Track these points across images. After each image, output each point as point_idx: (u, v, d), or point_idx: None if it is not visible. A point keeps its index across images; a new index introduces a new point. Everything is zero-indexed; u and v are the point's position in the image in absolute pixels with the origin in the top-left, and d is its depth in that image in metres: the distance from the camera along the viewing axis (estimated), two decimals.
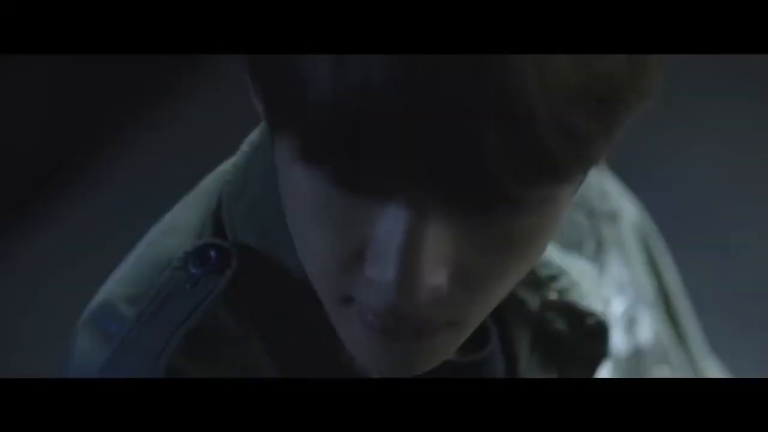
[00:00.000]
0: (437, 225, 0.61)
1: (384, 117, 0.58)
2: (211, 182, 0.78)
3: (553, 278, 0.80)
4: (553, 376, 0.81)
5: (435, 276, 0.62)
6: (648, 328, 0.91)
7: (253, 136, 0.78)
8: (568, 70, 0.58)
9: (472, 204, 0.61)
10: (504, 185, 0.59)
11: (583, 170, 0.62)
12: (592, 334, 0.81)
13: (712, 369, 0.99)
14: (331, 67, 0.58)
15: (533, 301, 0.80)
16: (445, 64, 0.57)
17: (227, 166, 0.78)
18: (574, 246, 0.86)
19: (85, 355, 0.75)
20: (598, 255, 0.88)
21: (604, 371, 0.85)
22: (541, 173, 0.60)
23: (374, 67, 0.57)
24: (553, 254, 0.81)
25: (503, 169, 0.59)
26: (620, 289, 0.90)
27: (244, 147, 0.77)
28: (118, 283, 0.76)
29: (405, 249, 0.61)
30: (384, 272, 0.62)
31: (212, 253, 0.73)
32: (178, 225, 0.77)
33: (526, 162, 0.59)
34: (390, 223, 0.62)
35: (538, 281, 0.80)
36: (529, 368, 0.80)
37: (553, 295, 0.80)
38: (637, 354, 0.90)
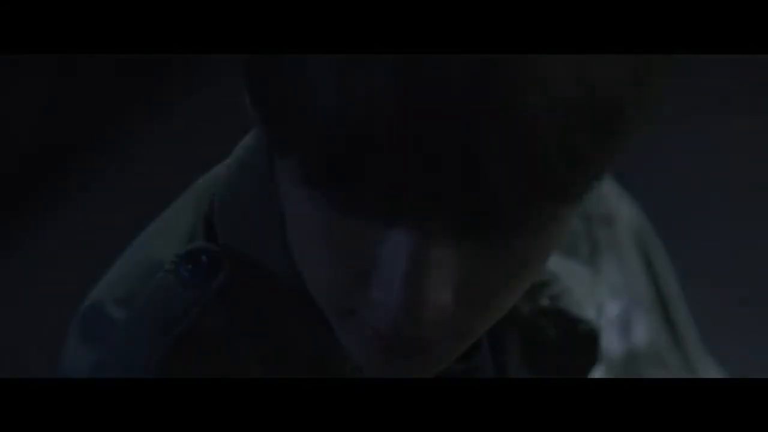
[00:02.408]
0: (441, 247, 0.61)
1: (387, 141, 0.57)
2: (203, 185, 0.78)
3: (545, 285, 0.80)
4: None
5: (440, 297, 0.62)
6: (643, 331, 0.91)
7: (248, 139, 0.77)
8: (570, 91, 0.57)
9: (477, 226, 0.60)
10: (508, 207, 0.59)
11: (587, 189, 0.62)
12: (583, 341, 0.81)
13: (709, 371, 0.98)
14: (334, 93, 0.58)
15: (525, 308, 0.80)
16: (448, 86, 0.57)
17: (220, 169, 0.78)
18: (568, 249, 0.86)
19: (76, 358, 0.74)
20: (592, 258, 0.88)
21: (599, 374, 0.85)
22: (545, 194, 0.59)
23: (377, 93, 0.57)
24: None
25: (507, 191, 0.58)
26: (615, 292, 0.89)
27: (239, 150, 0.77)
28: (108, 285, 0.76)
29: (410, 272, 0.61)
30: (389, 295, 0.62)
31: (203, 257, 0.73)
32: (169, 228, 0.76)
33: (529, 183, 0.58)
34: (394, 246, 0.61)
35: (530, 288, 0.80)
36: (520, 374, 0.80)
37: (544, 302, 0.80)
38: (632, 356, 0.90)
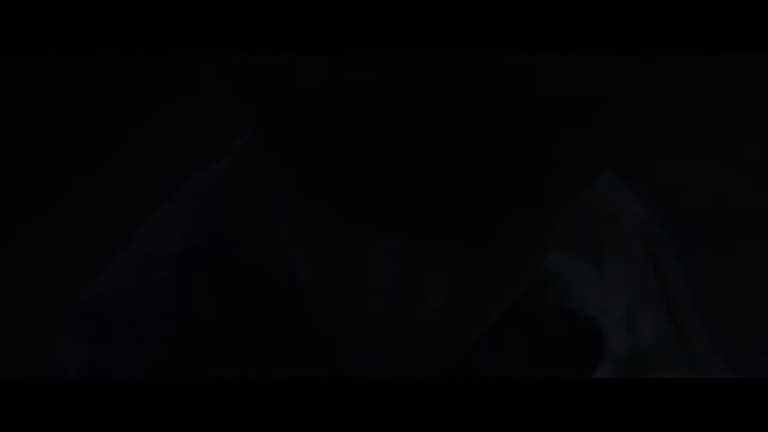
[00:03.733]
0: (433, 254, 0.62)
1: (376, 149, 0.57)
2: (200, 183, 0.78)
3: (549, 284, 0.80)
4: None
5: (432, 303, 0.63)
6: (648, 329, 0.91)
7: (246, 137, 0.77)
8: (554, 93, 0.57)
9: (468, 231, 0.60)
10: (498, 211, 0.59)
11: (578, 191, 0.62)
12: (587, 340, 0.81)
13: (716, 369, 0.98)
14: (323, 98, 0.57)
15: (528, 307, 0.80)
16: (433, 97, 0.56)
17: (217, 167, 0.78)
18: (572, 248, 0.86)
19: (71, 356, 0.74)
20: (597, 256, 0.88)
21: (604, 373, 0.84)
22: (536, 197, 0.59)
23: (366, 97, 0.57)
24: (551, 258, 0.81)
25: (497, 195, 0.58)
26: (620, 291, 0.89)
27: (236, 148, 0.77)
28: (105, 282, 0.76)
29: (402, 280, 0.62)
30: (383, 299, 0.63)
31: (200, 255, 0.73)
32: (167, 225, 0.77)
33: (519, 187, 0.59)
34: (386, 254, 0.62)
35: (533, 286, 0.80)
36: (523, 373, 0.80)
37: (548, 301, 0.80)
38: (637, 355, 0.90)
